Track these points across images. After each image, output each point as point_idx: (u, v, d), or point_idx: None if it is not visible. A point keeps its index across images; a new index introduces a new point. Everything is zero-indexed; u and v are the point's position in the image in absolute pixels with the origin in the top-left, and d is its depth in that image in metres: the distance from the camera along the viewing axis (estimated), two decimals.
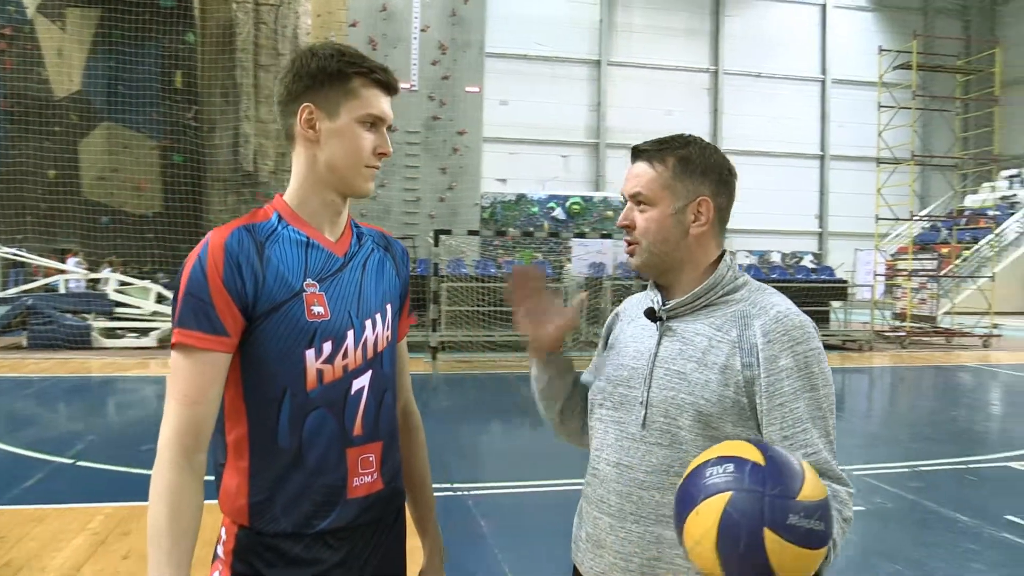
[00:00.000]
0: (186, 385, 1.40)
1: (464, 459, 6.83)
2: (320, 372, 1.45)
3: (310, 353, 1.44)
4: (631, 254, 1.60)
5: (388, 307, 1.58)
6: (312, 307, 1.45)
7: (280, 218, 1.51)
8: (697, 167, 1.56)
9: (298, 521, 1.45)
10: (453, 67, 23.44)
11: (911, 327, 17.42)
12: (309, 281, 1.46)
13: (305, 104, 1.48)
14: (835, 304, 17.42)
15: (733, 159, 1.71)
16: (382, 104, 1.50)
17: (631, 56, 32.17)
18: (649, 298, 1.62)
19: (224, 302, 1.40)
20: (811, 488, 1.16)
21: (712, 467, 1.16)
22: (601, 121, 31.95)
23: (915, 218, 18.97)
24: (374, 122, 1.49)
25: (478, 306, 12.27)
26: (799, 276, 17.74)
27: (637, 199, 1.58)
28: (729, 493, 1.12)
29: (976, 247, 26.86)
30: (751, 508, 1.11)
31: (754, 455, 1.17)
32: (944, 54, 23.32)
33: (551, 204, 26.05)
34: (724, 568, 1.11)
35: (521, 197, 25.78)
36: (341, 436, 1.48)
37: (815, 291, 16.21)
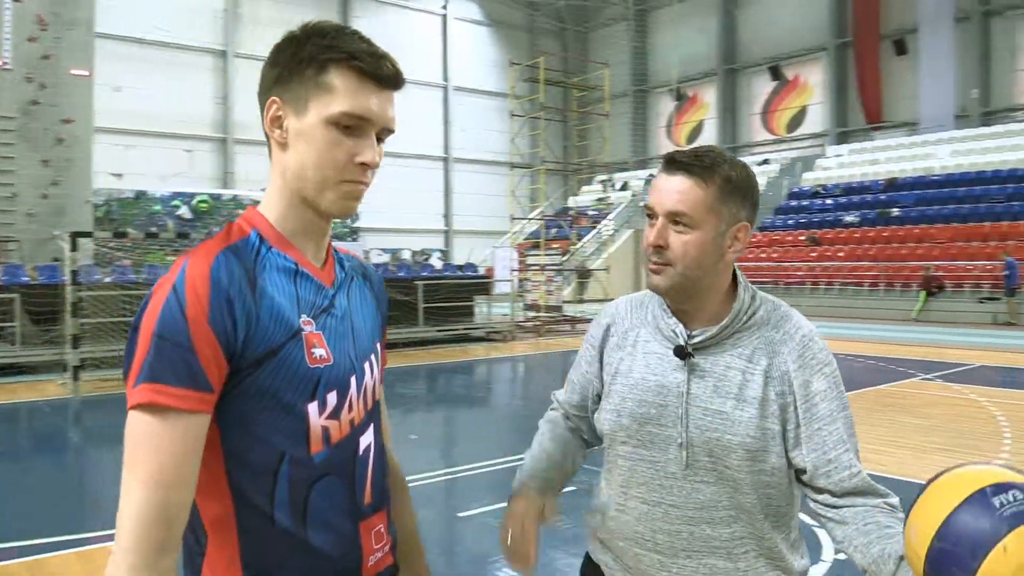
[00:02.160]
0: (158, 461, 1.03)
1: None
2: (326, 430, 1.15)
3: (312, 407, 1.14)
4: (657, 273, 1.44)
5: (377, 346, 1.31)
6: (313, 350, 1.14)
7: (261, 238, 1.18)
8: (739, 189, 1.44)
9: None
10: (56, 46, 20.53)
11: (545, 317, 19.10)
12: (305, 318, 1.16)
13: (272, 98, 1.17)
14: (479, 299, 18.43)
15: None
16: (367, 101, 1.14)
17: (259, 49, 30.93)
18: (663, 325, 1.51)
19: (210, 348, 1.05)
20: None
21: (997, 497, 1.05)
22: (228, 115, 30.35)
23: (545, 218, 20.79)
24: (353, 124, 1.14)
25: (121, 316, 10.87)
26: (447, 273, 18.46)
27: (677, 218, 1.41)
28: None
29: (581, 243, 30.25)
30: None
31: (1015, 476, 1.10)
32: (551, 69, 25.82)
33: (176, 202, 24.15)
34: None
35: (141, 194, 23.59)
36: (353, 508, 1.20)
37: (463, 287, 16.98)
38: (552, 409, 1.77)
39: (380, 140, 1.19)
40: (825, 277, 23.20)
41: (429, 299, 15.61)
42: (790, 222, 27.33)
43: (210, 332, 1.05)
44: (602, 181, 36.50)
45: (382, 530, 1.26)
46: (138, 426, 1.04)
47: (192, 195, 24.15)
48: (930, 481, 1.15)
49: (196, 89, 29.59)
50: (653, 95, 39.37)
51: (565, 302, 21.08)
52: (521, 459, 1.71)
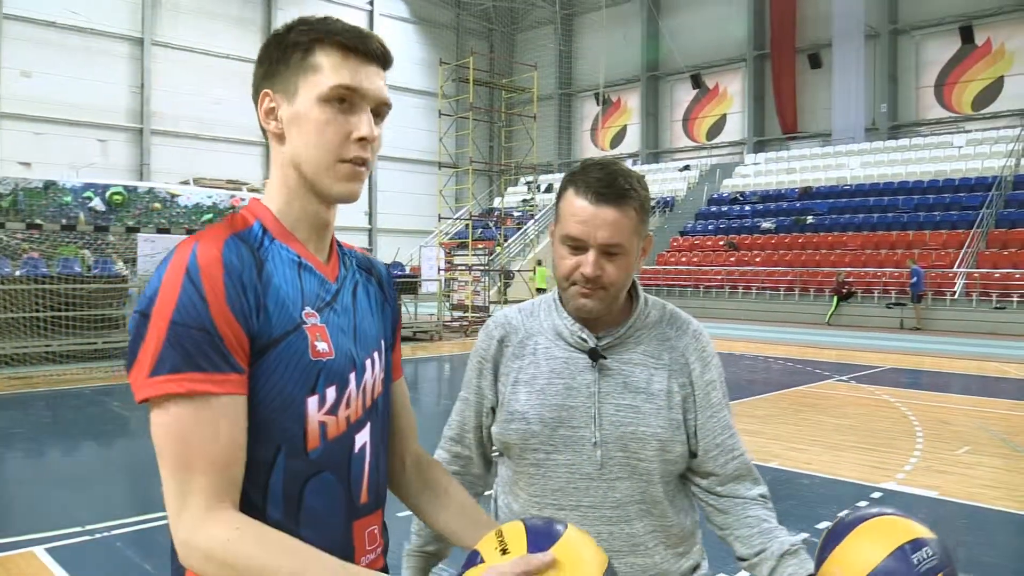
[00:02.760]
0: (212, 447, 1.02)
1: (36, 500, 5.62)
2: (323, 426, 1.13)
3: (312, 401, 1.11)
4: (590, 298, 1.47)
5: (382, 343, 1.29)
6: (316, 343, 1.13)
7: (264, 229, 1.16)
8: (647, 207, 1.50)
9: None
10: None
11: (472, 317, 19.13)
12: (308, 310, 1.14)
13: (264, 91, 1.16)
14: (406, 298, 18.34)
15: None
16: (357, 74, 1.13)
17: (179, 38, 30.13)
18: (566, 331, 1.53)
19: (233, 332, 1.04)
20: None
21: (915, 554, 1.21)
22: (145, 105, 29.42)
23: (472, 218, 20.80)
24: (345, 98, 1.12)
25: (34, 312, 10.42)
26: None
27: (611, 249, 1.44)
28: (942, 574, 1.20)
29: (507, 243, 30.37)
30: None
31: (924, 531, 1.25)
32: (479, 70, 25.87)
33: (88, 193, 23.10)
34: None
35: (50, 184, 22.61)
36: (348, 506, 1.17)
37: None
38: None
39: (379, 116, 1.17)
40: (743, 281, 23.87)
41: None
42: (710, 227, 28.02)
43: (230, 314, 1.04)
44: (527, 183, 36.75)
45: (376, 531, 1.24)
46: (178, 420, 1.01)
47: (105, 187, 23.21)
48: (851, 523, 1.29)
49: (111, 77, 28.57)
50: (578, 99, 39.85)
51: (491, 302, 21.16)
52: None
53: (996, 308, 19.10)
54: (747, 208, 27.96)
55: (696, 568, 1.58)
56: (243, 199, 27.36)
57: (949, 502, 5.44)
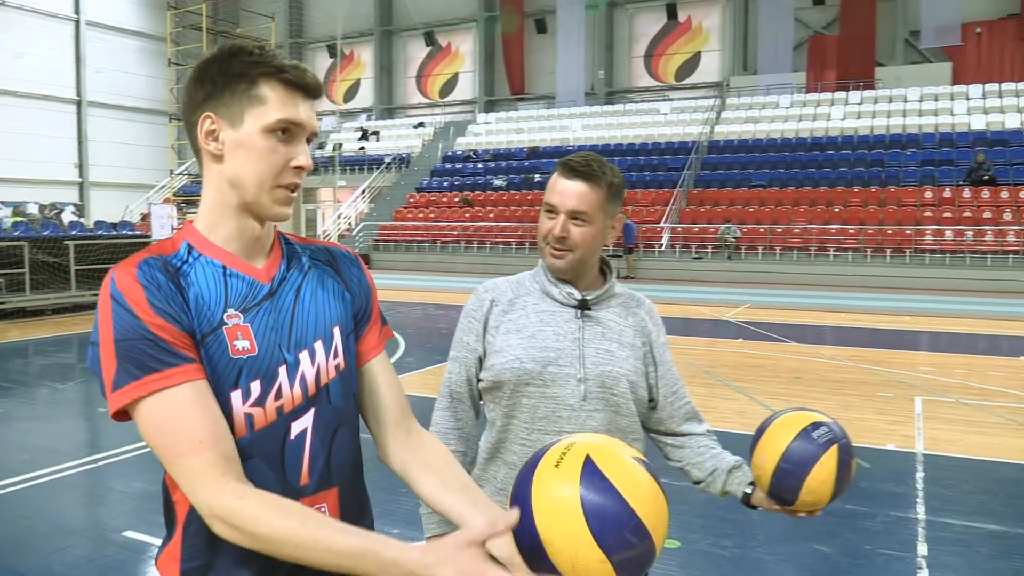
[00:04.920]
0: (190, 429, 1.15)
1: None
2: (249, 417, 1.24)
3: (236, 395, 1.23)
4: (560, 258, 1.80)
5: (335, 331, 1.36)
6: (235, 342, 1.24)
7: (190, 248, 1.28)
8: (618, 191, 1.82)
9: None
10: None
11: None
12: (230, 312, 1.25)
13: (206, 113, 1.26)
14: None
15: None
16: (297, 109, 1.26)
17: None
18: (554, 290, 1.85)
19: (169, 332, 1.17)
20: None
21: (814, 432, 1.66)
22: None
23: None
24: (286, 129, 1.25)
25: None
26: (101, 232, 16.91)
27: (576, 215, 1.77)
28: (836, 444, 1.66)
29: None
30: (848, 448, 1.68)
31: (822, 417, 1.71)
32: (211, 17, 24.50)
33: None
34: (836, 491, 1.65)
35: None
36: (283, 489, 1.25)
37: (120, 247, 15.70)
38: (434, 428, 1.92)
39: (308, 143, 1.30)
40: (478, 237, 24.91)
41: (81, 260, 14.34)
42: (445, 184, 28.81)
43: (160, 319, 1.16)
44: None
45: (324, 509, 1.31)
46: (150, 418, 1.15)
47: None
48: (769, 421, 1.76)
49: None
50: (309, 50, 38.81)
51: None
52: None
53: (695, 258, 21.79)
54: (480, 166, 29.07)
55: None
56: None
57: None
